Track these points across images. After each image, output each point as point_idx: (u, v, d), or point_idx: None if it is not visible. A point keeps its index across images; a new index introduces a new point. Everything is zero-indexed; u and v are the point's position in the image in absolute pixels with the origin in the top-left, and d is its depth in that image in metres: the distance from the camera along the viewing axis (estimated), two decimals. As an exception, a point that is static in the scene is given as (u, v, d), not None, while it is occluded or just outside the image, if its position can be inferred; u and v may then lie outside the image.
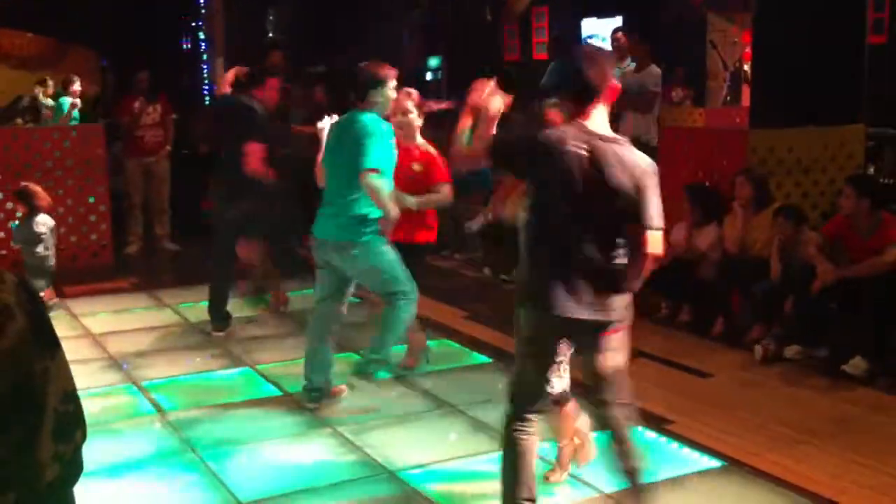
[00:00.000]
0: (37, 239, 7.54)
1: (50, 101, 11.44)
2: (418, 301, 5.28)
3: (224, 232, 6.93)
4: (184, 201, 10.36)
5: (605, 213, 3.41)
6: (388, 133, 5.08)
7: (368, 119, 5.03)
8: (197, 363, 6.38)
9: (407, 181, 5.46)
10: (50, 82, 11.59)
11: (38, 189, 7.73)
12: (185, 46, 16.59)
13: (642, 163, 3.45)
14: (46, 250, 7.59)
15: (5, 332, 1.65)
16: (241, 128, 6.64)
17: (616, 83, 3.58)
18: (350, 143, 4.99)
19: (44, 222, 7.64)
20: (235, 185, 6.67)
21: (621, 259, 3.47)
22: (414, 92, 5.63)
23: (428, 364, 6.05)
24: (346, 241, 5.07)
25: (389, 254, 5.15)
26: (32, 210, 7.62)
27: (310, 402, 5.40)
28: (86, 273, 8.86)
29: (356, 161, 4.91)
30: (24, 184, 7.86)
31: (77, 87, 11.27)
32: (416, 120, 5.65)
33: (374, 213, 5.05)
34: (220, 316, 6.94)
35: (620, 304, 3.52)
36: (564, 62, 3.62)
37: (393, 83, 5.17)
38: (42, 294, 7.49)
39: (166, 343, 6.78)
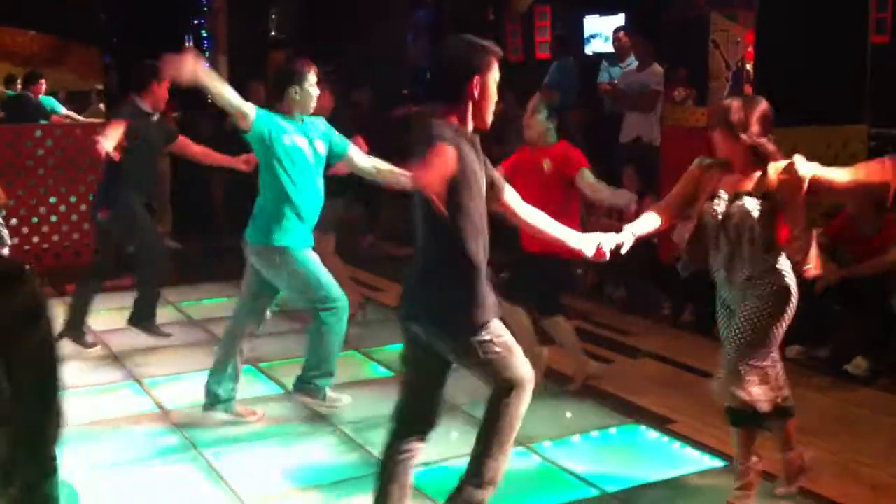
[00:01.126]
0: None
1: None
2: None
3: None
4: (185, 199, 10.39)
5: None
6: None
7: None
8: (199, 360, 6.37)
9: (539, 182, 5.29)
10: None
11: None
12: (187, 44, 16.61)
13: None
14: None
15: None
16: None
17: None
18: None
19: (2, 223, 7.56)
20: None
21: None
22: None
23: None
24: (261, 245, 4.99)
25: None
26: None
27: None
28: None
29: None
30: None
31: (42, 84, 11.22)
32: (544, 121, 5.51)
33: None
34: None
35: None
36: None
37: (313, 79, 5.01)
38: None
39: (168, 340, 6.77)
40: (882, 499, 4.20)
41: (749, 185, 3.86)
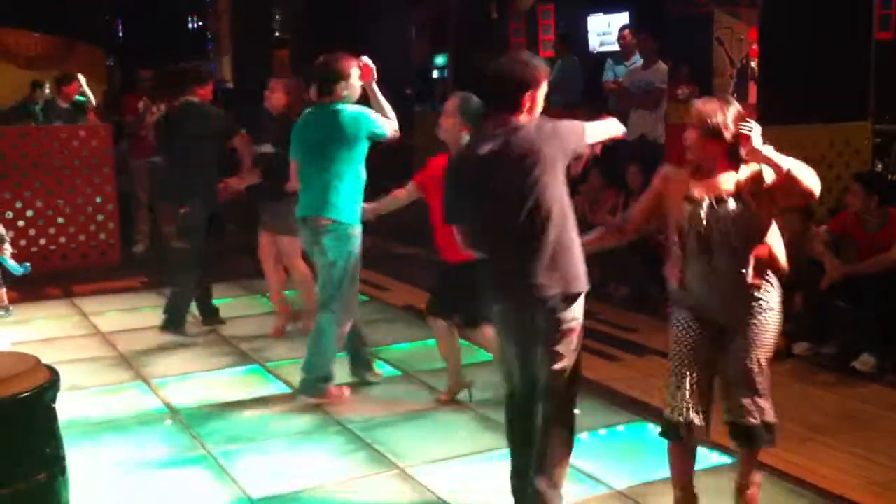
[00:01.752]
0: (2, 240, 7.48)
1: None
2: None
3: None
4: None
5: None
6: None
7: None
8: (207, 360, 6.40)
9: None
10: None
11: None
12: (191, 45, 16.64)
13: None
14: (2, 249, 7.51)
15: None
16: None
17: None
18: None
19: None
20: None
21: None
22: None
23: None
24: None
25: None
26: None
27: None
28: (95, 272, 8.89)
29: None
30: None
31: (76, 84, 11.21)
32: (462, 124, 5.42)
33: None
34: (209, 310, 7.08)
35: None
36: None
37: (357, 73, 5.25)
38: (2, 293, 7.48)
39: (176, 341, 6.79)
40: (890, 495, 4.21)
41: (728, 188, 3.72)
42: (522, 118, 3.64)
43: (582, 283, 3.70)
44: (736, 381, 3.78)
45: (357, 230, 5.23)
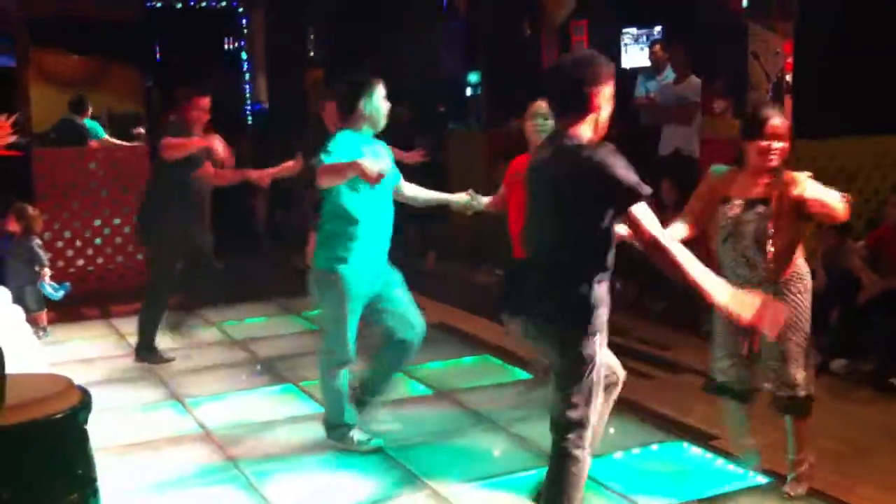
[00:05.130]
0: (37, 259, 7.54)
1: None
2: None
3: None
4: (226, 217, 10.46)
5: None
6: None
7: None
8: (241, 380, 6.43)
9: None
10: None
11: (36, 211, 7.72)
12: (228, 66, 16.77)
13: None
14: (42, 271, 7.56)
15: None
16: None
17: None
18: None
19: (40, 245, 7.67)
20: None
21: None
22: None
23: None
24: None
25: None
26: (28, 231, 7.54)
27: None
28: (132, 292, 8.96)
29: None
30: (21, 203, 7.70)
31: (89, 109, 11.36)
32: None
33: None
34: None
35: None
36: None
37: (382, 91, 4.86)
38: (39, 316, 7.53)
39: (210, 360, 6.83)
40: (929, 514, 4.13)
41: (760, 191, 4.11)
42: (588, 121, 3.44)
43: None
44: (778, 358, 4.18)
45: (334, 276, 4.82)
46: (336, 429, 5.07)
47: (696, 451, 4.96)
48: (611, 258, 3.44)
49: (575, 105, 3.44)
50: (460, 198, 5.22)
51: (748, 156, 4.16)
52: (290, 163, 6.76)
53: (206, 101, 6.60)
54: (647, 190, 3.34)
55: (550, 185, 3.46)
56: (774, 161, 4.09)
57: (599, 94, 3.42)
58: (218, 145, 6.36)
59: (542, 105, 4.74)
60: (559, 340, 3.47)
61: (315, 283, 4.95)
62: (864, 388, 5.79)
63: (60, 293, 7.58)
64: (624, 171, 3.30)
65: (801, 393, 4.20)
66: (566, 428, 3.47)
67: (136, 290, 8.98)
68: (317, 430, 5.39)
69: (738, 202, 4.12)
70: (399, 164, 5.22)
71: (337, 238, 4.81)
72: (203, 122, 6.64)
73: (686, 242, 3.77)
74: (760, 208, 4.08)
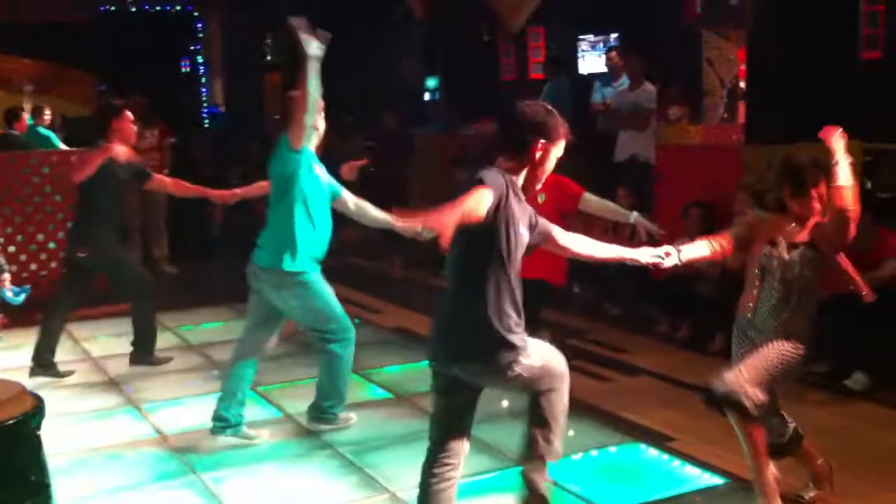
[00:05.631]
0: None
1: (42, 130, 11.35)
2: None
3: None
4: (181, 224, 10.39)
5: None
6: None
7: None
8: (197, 385, 6.38)
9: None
10: (47, 111, 11.48)
11: None
12: (184, 69, 16.67)
13: None
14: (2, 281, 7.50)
15: None
16: None
17: None
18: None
19: None
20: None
21: None
22: None
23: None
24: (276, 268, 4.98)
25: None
26: None
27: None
28: (86, 297, 8.85)
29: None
30: None
31: (47, 115, 11.24)
32: None
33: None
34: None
35: None
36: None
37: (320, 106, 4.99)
38: None
39: (166, 366, 6.77)
40: (881, 513, 4.20)
41: (804, 235, 4.22)
42: (522, 168, 3.45)
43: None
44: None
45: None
46: (340, 404, 5.32)
47: (653, 452, 5.00)
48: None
49: (514, 149, 3.45)
50: (409, 227, 5.02)
51: (792, 207, 4.26)
52: (264, 182, 6.76)
53: (126, 119, 6.48)
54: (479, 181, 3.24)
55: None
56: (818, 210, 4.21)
57: (541, 148, 3.45)
58: (118, 150, 6.29)
59: None
60: None
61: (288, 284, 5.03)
62: (818, 390, 5.86)
63: (21, 297, 7.48)
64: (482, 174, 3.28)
65: (741, 398, 4.07)
66: None
67: (91, 296, 8.89)
68: (274, 435, 5.37)
69: (782, 246, 4.26)
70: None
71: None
72: (130, 136, 6.54)
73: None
74: (799, 252, 4.21)
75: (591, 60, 12.62)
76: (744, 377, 4.09)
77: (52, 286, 8.89)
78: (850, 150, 7.23)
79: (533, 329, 5.25)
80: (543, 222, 3.68)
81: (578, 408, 5.63)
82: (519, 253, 3.46)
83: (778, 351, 4.17)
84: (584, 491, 4.50)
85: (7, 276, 7.47)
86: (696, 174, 7.64)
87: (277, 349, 7.03)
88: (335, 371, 5.24)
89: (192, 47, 16.54)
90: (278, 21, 14.94)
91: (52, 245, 9.08)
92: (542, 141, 3.44)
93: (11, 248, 8.83)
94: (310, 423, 5.40)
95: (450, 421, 3.68)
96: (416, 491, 4.49)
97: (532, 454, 3.68)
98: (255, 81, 15.32)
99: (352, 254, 10.60)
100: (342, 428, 5.35)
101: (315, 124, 4.96)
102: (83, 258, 6.48)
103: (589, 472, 4.77)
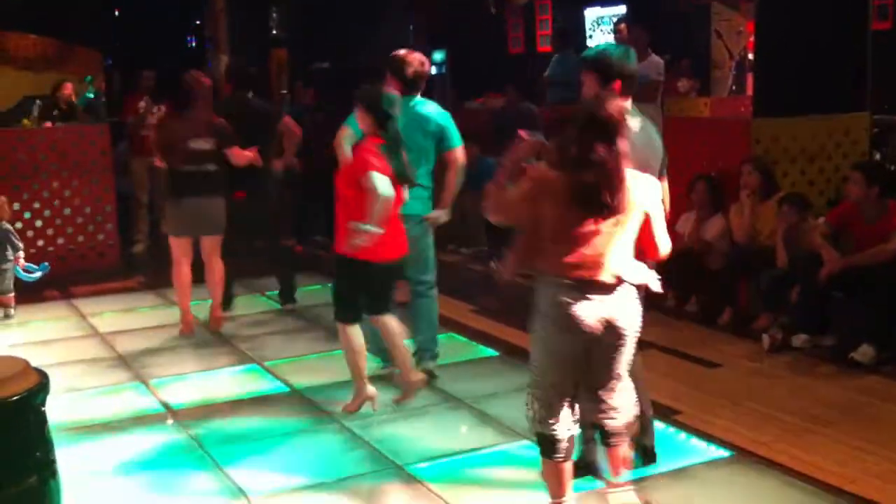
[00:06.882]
0: (12, 245, 7.54)
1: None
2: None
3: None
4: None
5: None
6: None
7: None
8: (204, 360, 6.39)
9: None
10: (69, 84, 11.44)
11: (3, 198, 7.67)
12: (189, 45, 16.61)
13: None
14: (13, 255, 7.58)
15: None
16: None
17: None
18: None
19: (11, 230, 7.67)
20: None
21: None
22: None
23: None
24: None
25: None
26: None
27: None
28: (93, 273, 8.88)
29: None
30: None
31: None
32: None
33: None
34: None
35: None
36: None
37: None
38: (8, 298, 7.51)
39: (174, 341, 6.78)
40: (889, 486, 4.18)
41: None
42: None
43: None
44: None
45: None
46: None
47: (658, 425, 4.98)
48: None
49: None
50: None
51: None
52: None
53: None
54: None
55: None
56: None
57: None
58: None
59: None
60: None
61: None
62: (825, 363, 5.85)
63: (38, 273, 7.57)
64: None
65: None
66: None
67: (98, 272, 8.93)
68: (282, 410, 5.39)
69: None
70: None
71: None
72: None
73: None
74: None
75: (599, 36, 12.58)
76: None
77: (59, 263, 8.93)
78: (859, 121, 7.23)
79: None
80: None
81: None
82: None
83: None
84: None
85: (21, 253, 7.56)
86: (703, 146, 7.59)
87: (287, 324, 7.09)
88: (430, 316, 5.76)
89: (197, 22, 16.48)
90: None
91: (58, 222, 9.08)
92: None
93: (18, 225, 8.85)
94: (424, 365, 5.63)
95: None
96: (423, 465, 4.52)
97: None
98: (261, 58, 15.27)
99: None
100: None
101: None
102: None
103: (595, 445, 4.75)
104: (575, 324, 3.47)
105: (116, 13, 16.00)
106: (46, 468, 3.04)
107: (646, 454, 4.40)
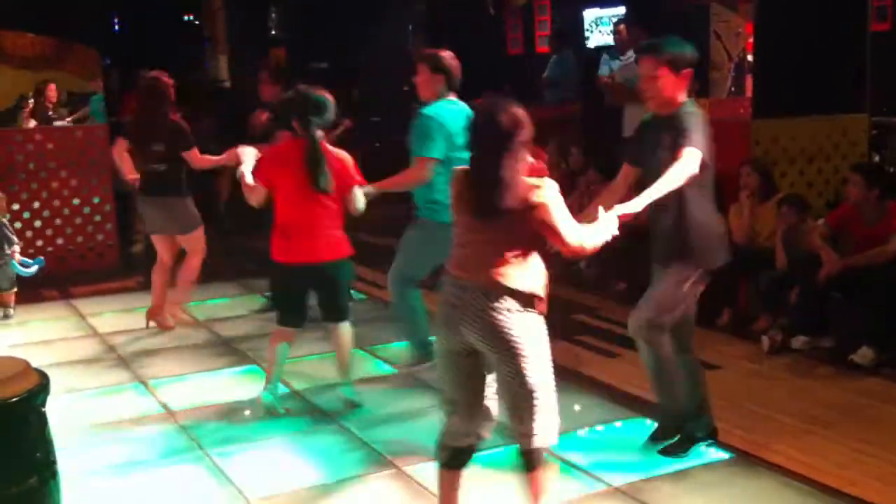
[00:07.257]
0: (7, 240, 7.54)
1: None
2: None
3: None
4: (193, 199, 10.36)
5: None
6: None
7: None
8: (203, 361, 6.39)
9: None
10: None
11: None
12: (187, 45, 16.58)
13: None
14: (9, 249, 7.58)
15: None
16: None
17: None
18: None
19: (7, 225, 7.66)
20: None
21: None
22: None
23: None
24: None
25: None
26: None
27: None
28: (92, 273, 8.88)
29: None
30: None
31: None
32: None
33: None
34: None
35: None
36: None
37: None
38: (9, 296, 7.50)
39: (173, 342, 6.78)
40: (889, 488, 4.19)
41: None
42: None
43: None
44: None
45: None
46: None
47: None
48: None
49: None
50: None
51: None
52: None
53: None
54: None
55: None
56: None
57: None
58: None
59: None
60: None
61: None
62: (825, 365, 5.85)
63: (33, 268, 7.57)
64: None
65: None
66: None
67: (97, 272, 8.92)
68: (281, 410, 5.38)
69: None
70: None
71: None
72: None
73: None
74: None
75: (598, 37, 12.58)
76: None
77: (58, 263, 8.92)
78: (858, 123, 7.24)
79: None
80: None
81: (584, 383, 5.66)
82: None
83: None
84: (589, 466, 4.50)
85: (17, 247, 7.55)
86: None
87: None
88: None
89: (195, 22, 16.48)
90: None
91: (57, 222, 9.07)
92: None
93: (17, 224, 8.83)
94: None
95: None
96: (421, 466, 4.52)
97: None
98: (260, 56, 15.27)
99: (363, 231, 10.58)
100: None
101: None
102: None
103: (595, 448, 4.76)
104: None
105: (116, 15, 15.98)
106: (47, 469, 3.04)
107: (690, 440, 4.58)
